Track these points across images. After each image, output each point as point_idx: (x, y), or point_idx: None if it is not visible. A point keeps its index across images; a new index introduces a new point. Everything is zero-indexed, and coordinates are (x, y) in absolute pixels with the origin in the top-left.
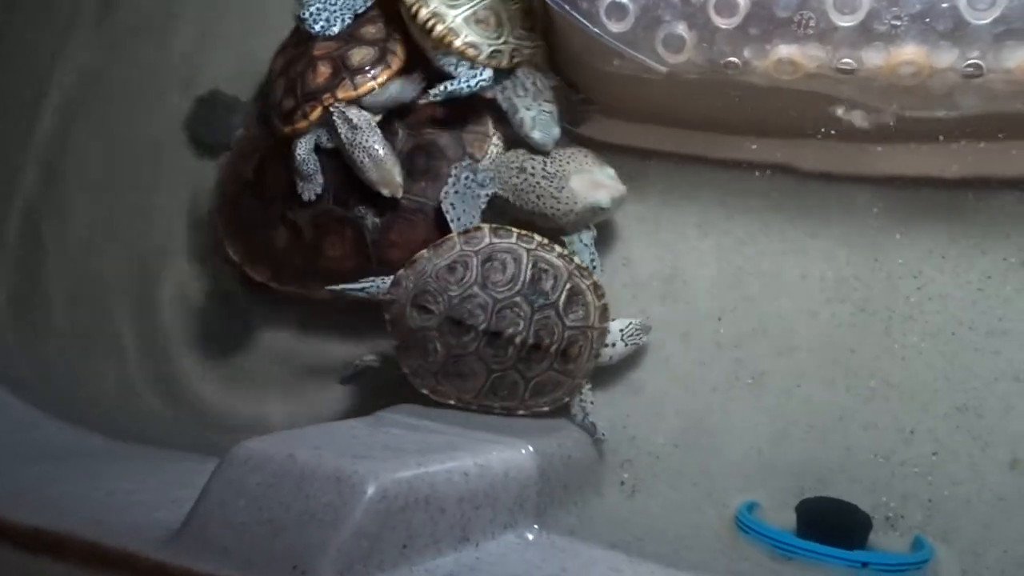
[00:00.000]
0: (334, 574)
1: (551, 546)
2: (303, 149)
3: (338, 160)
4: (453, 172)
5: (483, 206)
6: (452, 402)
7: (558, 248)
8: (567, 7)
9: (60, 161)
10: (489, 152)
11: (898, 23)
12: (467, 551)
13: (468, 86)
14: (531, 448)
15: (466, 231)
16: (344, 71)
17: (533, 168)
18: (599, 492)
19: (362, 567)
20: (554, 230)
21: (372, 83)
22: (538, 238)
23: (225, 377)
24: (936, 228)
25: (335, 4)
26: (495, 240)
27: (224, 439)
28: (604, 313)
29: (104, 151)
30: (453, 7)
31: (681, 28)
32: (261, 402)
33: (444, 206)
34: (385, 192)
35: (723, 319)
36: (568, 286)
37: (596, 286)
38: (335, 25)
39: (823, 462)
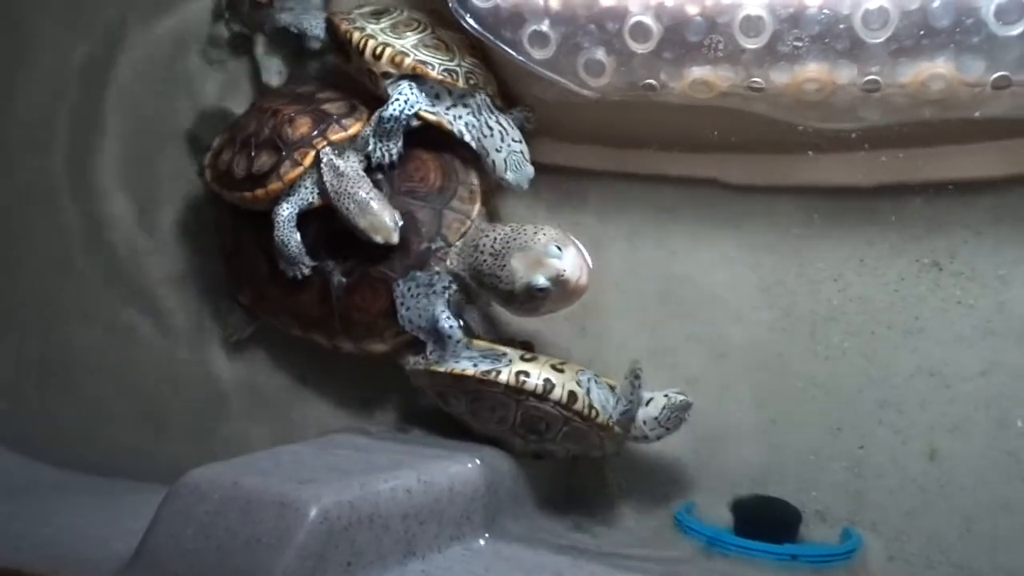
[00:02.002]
0: None
1: (497, 555)
2: (284, 226)
3: (314, 212)
4: (396, 291)
5: (446, 296)
6: None
7: (553, 396)
8: (491, 36)
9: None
10: (465, 235)
11: (800, 44)
12: (413, 565)
13: (401, 107)
14: (478, 462)
15: (453, 375)
16: (326, 117)
17: (483, 245)
18: (547, 500)
19: None
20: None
21: (359, 124)
22: (532, 384)
23: (189, 405)
24: (853, 233)
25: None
26: (482, 388)
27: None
28: (613, 439)
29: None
30: (399, 38)
31: (600, 54)
32: (230, 431)
33: (405, 326)
34: (378, 239)
35: (656, 328)
36: (565, 429)
37: (602, 427)
38: None
39: (756, 461)
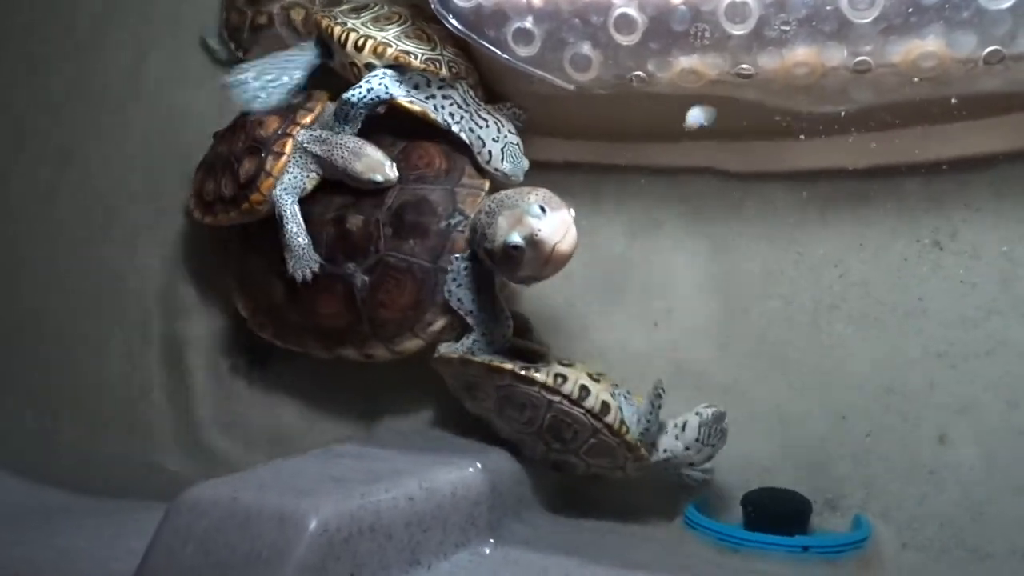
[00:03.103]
0: None
1: (504, 559)
2: (292, 218)
3: (325, 214)
4: (451, 267)
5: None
6: None
7: (587, 403)
8: (475, 36)
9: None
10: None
11: (787, 27)
12: (418, 573)
13: (361, 94)
14: (480, 465)
15: (490, 367)
16: (291, 111)
17: (484, 205)
18: (552, 501)
19: None
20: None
21: (321, 104)
22: (568, 388)
23: (190, 423)
24: (851, 217)
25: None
26: (516, 384)
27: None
28: (638, 459)
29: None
30: (381, 30)
31: (586, 48)
32: (230, 447)
33: (452, 303)
34: (379, 178)
35: (659, 323)
36: (592, 441)
37: (629, 446)
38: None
39: (765, 453)
